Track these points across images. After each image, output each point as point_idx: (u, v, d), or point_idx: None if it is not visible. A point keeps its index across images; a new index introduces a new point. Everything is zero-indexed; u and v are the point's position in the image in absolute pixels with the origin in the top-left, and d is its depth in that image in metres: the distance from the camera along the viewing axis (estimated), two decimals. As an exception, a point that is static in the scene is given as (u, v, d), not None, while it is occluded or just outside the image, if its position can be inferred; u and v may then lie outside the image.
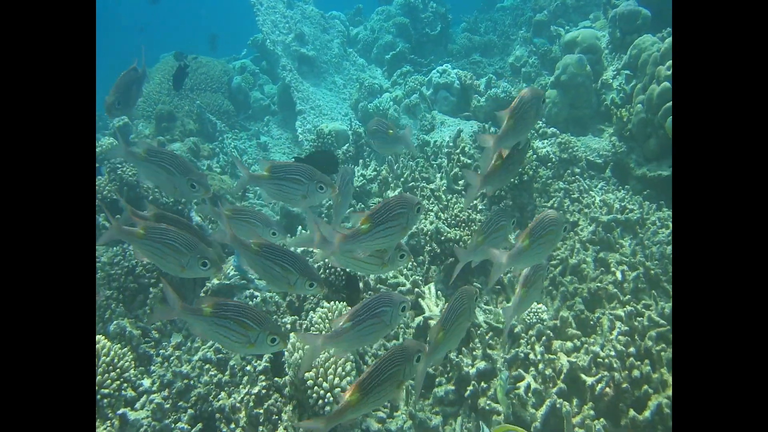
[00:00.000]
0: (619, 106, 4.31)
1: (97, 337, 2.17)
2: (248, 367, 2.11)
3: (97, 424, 2.01)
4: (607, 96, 4.60)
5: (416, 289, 2.68)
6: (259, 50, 6.55)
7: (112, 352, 2.15)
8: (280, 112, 5.67)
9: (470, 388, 2.21)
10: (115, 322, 2.45)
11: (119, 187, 3.13)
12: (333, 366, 2.00)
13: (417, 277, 2.76)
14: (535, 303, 2.61)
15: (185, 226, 1.93)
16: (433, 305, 2.62)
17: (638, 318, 2.42)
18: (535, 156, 3.59)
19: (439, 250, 2.87)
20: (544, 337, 2.31)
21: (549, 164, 3.68)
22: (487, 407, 2.15)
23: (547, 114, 4.50)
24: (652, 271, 2.65)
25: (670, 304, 2.47)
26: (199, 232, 1.97)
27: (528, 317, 2.47)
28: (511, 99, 4.89)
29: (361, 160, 4.06)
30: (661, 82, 3.79)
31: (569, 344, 2.31)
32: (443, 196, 3.16)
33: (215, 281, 2.46)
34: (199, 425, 2.09)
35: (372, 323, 1.46)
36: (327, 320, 2.21)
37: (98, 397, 2.06)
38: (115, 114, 2.29)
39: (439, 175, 3.58)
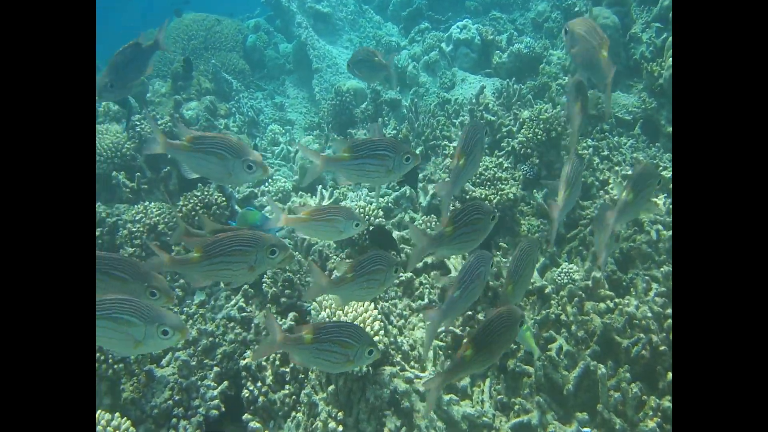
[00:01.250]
0: (650, 60, 4.13)
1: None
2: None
3: (123, 380, 1.99)
4: (636, 50, 4.39)
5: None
6: (274, 8, 6.35)
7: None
8: (295, 71, 5.52)
9: (500, 348, 2.16)
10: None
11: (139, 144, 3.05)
12: (362, 324, 1.95)
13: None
14: (565, 263, 2.54)
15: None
16: (458, 264, 2.55)
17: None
18: (563, 112, 3.45)
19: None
20: (576, 298, 2.23)
21: (577, 121, 3.54)
22: (516, 369, 2.10)
23: (573, 70, 4.32)
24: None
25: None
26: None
27: (559, 277, 2.40)
28: (536, 55, 4.71)
29: (380, 119, 3.95)
30: (697, 35, 3.60)
31: (602, 305, 2.24)
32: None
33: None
34: (225, 383, 2.07)
35: (370, 279, 1.56)
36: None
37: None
38: (107, 97, 2.06)
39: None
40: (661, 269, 2.32)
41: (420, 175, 3.35)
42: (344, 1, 5.88)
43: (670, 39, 3.97)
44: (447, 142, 3.40)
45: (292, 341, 1.42)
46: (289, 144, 4.00)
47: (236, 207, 2.68)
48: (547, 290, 2.33)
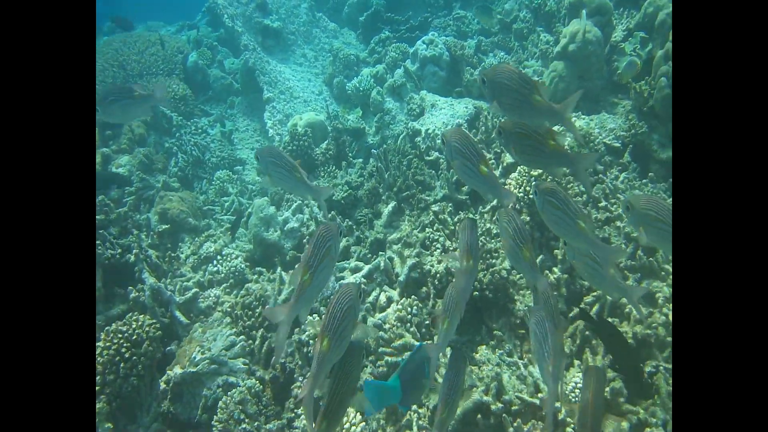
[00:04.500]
0: (636, 80, 3.76)
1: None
2: None
3: None
4: (620, 64, 4.03)
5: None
6: (217, 20, 5.75)
7: None
8: (244, 94, 4.96)
9: None
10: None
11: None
12: None
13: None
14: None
15: None
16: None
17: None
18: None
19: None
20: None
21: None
22: None
23: (554, 90, 3.92)
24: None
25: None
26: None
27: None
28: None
29: (344, 162, 3.48)
30: (690, 52, 3.24)
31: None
32: (449, 219, 2.63)
33: (178, 370, 1.94)
34: None
35: (325, 264, 1.46)
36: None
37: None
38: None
39: (439, 183, 3.03)
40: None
41: (394, 236, 2.92)
42: (295, 11, 5.30)
43: (659, 52, 3.60)
44: (425, 196, 2.96)
45: None
46: (240, 195, 3.50)
47: (176, 312, 2.20)
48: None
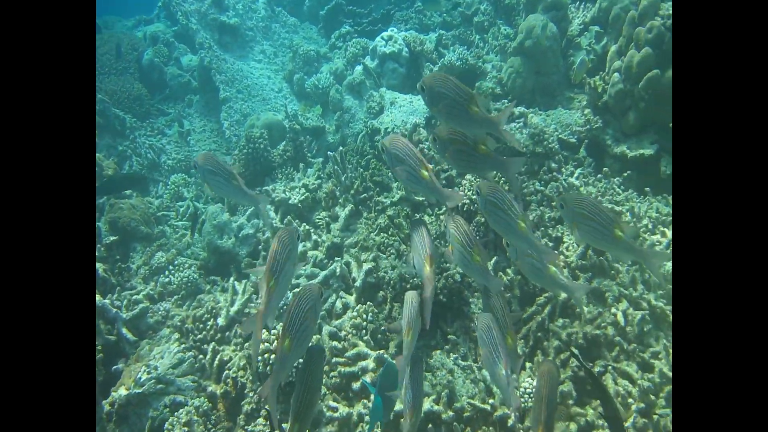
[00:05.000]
0: (591, 73, 3.79)
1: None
2: None
3: None
4: (576, 58, 4.05)
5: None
6: (171, 15, 5.60)
7: None
8: (202, 92, 4.85)
9: None
10: None
11: None
12: None
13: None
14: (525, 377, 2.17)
15: None
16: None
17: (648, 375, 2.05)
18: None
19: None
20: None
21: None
22: None
23: (511, 86, 3.93)
24: (659, 309, 2.24)
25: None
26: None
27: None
28: (470, 67, 4.27)
29: (302, 164, 3.43)
30: (642, 48, 3.28)
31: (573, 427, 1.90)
32: (404, 223, 2.62)
33: (123, 392, 1.89)
34: None
35: (287, 269, 1.51)
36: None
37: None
38: None
39: (396, 184, 3.02)
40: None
41: (352, 240, 2.90)
42: (253, 6, 5.19)
43: (612, 47, 3.63)
44: (382, 198, 2.94)
45: None
46: (196, 199, 3.43)
47: (123, 330, 2.15)
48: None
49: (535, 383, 1.68)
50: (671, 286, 2.31)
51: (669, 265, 2.34)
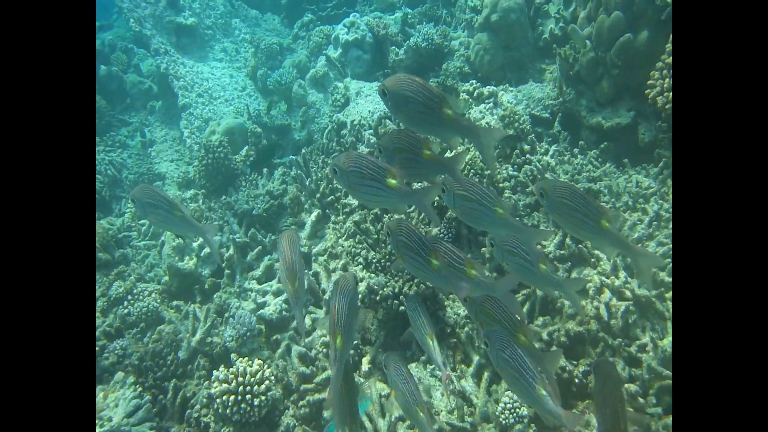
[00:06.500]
0: (561, 42, 3.60)
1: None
2: None
3: None
4: (545, 27, 3.85)
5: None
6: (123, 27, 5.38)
7: None
8: (163, 98, 4.65)
9: None
10: None
11: None
12: None
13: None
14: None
15: None
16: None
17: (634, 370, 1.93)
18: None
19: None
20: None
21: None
22: None
23: (479, 63, 3.74)
24: (643, 298, 2.11)
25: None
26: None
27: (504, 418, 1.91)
28: (436, 47, 4.06)
29: (265, 169, 3.27)
30: (612, 12, 3.09)
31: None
32: (371, 228, 2.47)
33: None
34: None
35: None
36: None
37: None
38: None
39: (361, 184, 2.85)
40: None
41: (320, 247, 2.75)
42: (211, 3, 4.95)
43: (581, 12, 3.43)
44: (349, 200, 2.79)
45: None
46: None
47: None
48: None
49: (594, 388, 1.46)
50: (661, 288, 2.17)
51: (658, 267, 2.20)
